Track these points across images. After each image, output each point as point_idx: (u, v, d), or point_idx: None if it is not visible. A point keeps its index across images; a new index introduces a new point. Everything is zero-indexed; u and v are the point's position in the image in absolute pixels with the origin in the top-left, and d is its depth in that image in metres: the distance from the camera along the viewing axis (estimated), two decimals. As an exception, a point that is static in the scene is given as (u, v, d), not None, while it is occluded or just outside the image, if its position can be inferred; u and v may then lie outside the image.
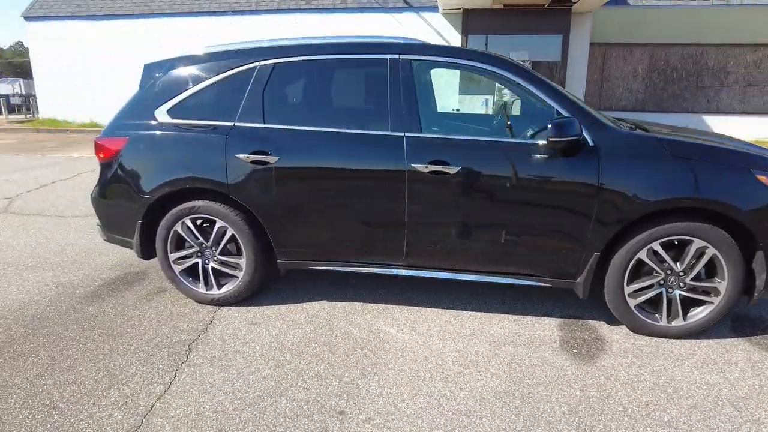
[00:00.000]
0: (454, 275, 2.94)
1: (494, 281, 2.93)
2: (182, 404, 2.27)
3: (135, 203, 3.08)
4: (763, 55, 11.91)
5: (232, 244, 3.09)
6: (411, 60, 2.80)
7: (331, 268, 3.05)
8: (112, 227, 3.25)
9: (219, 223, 3.02)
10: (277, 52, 2.95)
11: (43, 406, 2.26)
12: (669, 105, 12.48)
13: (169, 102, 3.05)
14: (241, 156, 2.88)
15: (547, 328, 2.95)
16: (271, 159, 2.85)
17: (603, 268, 2.79)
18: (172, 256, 3.14)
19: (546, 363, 2.60)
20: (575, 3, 10.15)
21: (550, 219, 2.70)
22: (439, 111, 3.73)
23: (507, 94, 3.45)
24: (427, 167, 2.70)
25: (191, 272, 3.19)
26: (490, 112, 3.33)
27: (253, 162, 2.87)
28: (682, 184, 2.56)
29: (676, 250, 2.70)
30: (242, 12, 12.38)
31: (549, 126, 2.50)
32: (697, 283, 2.70)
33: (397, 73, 2.79)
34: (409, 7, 11.71)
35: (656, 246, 2.66)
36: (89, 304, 3.23)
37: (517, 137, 2.79)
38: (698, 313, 2.74)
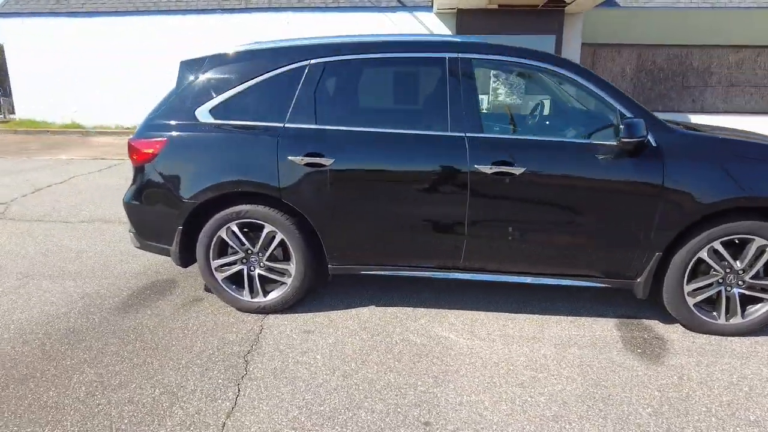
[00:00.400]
0: (512, 278, 2.89)
1: (552, 283, 2.90)
2: (255, 421, 2.14)
3: (175, 208, 2.92)
4: (744, 56, 12.31)
5: (279, 249, 2.97)
6: (472, 59, 2.74)
7: (385, 272, 2.97)
8: (148, 234, 3.08)
9: (267, 228, 2.89)
10: (328, 50, 2.84)
11: (103, 428, 2.11)
12: (656, 104, 12.76)
13: (210, 101, 2.91)
14: (294, 158, 2.76)
15: (604, 328, 2.93)
16: (327, 161, 2.74)
17: (662, 268, 2.78)
18: (215, 263, 3.00)
19: (615, 364, 2.57)
20: (569, 3, 10.27)
21: (614, 220, 2.67)
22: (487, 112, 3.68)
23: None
24: (491, 168, 2.64)
25: (234, 279, 3.05)
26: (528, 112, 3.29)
27: (308, 164, 2.76)
28: (743, 184, 2.57)
29: (735, 248, 2.71)
30: (231, 10, 12.10)
31: (622, 126, 2.47)
32: (757, 281, 2.72)
33: (457, 72, 2.72)
34: (402, 6, 11.65)
35: (717, 245, 2.66)
36: (123, 315, 3.05)
37: (580, 137, 2.75)
38: (756, 311, 2.76)
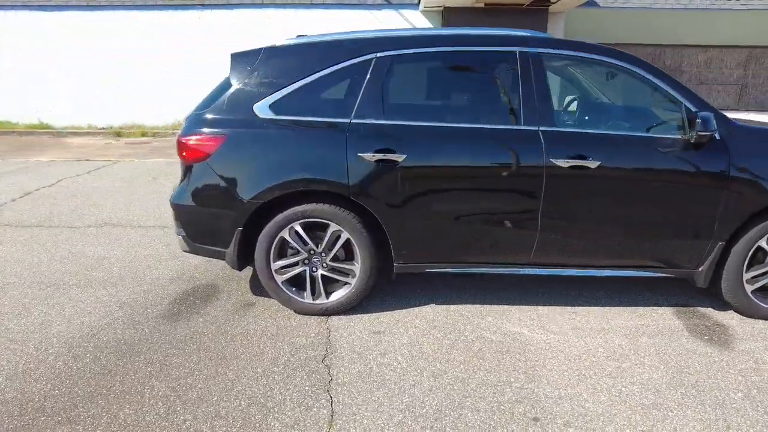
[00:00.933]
0: (577, 272, 2.91)
1: (617, 275, 2.94)
2: (361, 428, 2.07)
3: (235, 209, 2.78)
4: (712, 55, 12.95)
5: (341, 248, 2.88)
6: (541, 53, 2.73)
7: (451, 270, 2.93)
8: (201, 237, 2.92)
9: (333, 227, 2.79)
10: (396, 44, 2.77)
11: (199, 444, 1.98)
12: (630, 101, 13.24)
13: (270, 96, 2.78)
14: (365, 155, 2.68)
15: (665, 317, 2.99)
16: (398, 157, 2.67)
17: (722, 257, 2.86)
18: (275, 265, 2.87)
19: (690, 351, 2.63)
20: (554, 3, 10.50)
21: (682, 211, 2.73)
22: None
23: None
24: (567, 162, 2.65)
25: (293, 281, 2.94)
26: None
27: (378, 161, 2.68)
28: None
29: (786, 235, 2.82)
30: (212, 6, 11.70)
31: (698, 120, 2.52)
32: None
33: (528, 66, 2.71)
34: (388, 4, 11.60)
35: None
36: (173, 324, 2.89)
37: (647, 131, 2.79)
38: (809, 295, 2.89)
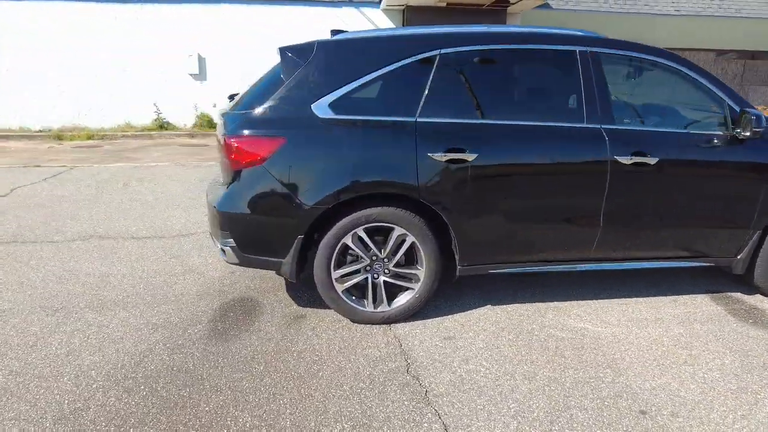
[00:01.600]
0: (630, 265, 3.00)
1: (664, 266, 3.06)
2: (480, 438, 1.99)
3: (296, 216, 2.59)
4: (646, 56, 13.93)
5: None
6: (599, 53, 2.77)
7: (513, 270, 2.90)
8: (255, 246, 2.69)
9: (398, 231, 2.67)
10: (459, 40, 2.70)
11: (318, 474, 1.81)
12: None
13: (329, 95, 2.61)
14: (435, 155, 2.59)
15: (705, 304, 3.16)
16: (469, 156, 2.61)
17: (758, 245, 3.05)
18: (335, 273, 2.71)
19: (743, 335, 2.78)
20: (513, 4, 10.85)
21: (729, 203, 2.89)
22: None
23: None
24: (630, 159, 2.71)
25: (352, 290, 2.79)
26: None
27: (449, 161, 2.60)
28: None
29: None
30: (159, 0, 10.93)
31: (753, 118, 2.67)
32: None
33: (588, 65, 2.74)
34: (349, 2, 11.43)
35: None
36: (225, 344, 2.64)
37: (697, 128, 2.92)
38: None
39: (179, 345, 2.63)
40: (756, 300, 3.22)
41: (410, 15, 11.28)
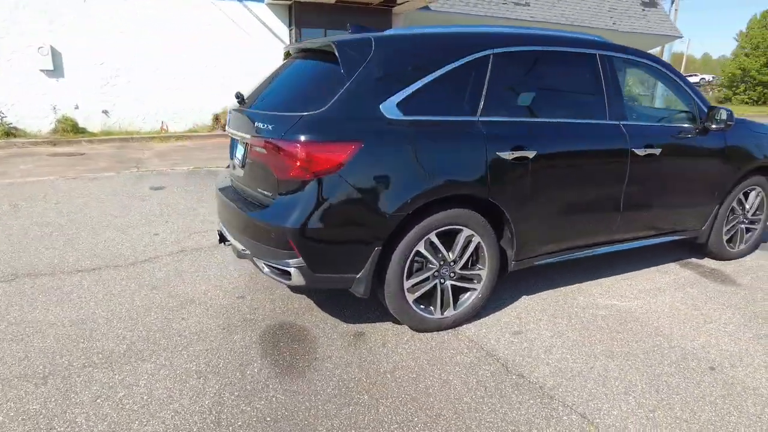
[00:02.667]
0: (636, 244, 3.39)
1: (656, 242, 3.52)
2: (638, 426, 2.10)
3: (374, 226, 2.39)
4: (506, 58, 15.61)
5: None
6: (612, 56, 3.06)
7: (552, 260, 3.07)
8: (328, 264, 2.41)
9: (466, 232, 2.64)
10: (506, 41, 2.74)
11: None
12: (452, 97, 15.07)
13: (396, 95, 2.44)
14: (503, 154, 2.60)
15: (680, 271, 3.72)
16: (529, 154, 2.68)
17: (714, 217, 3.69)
18: (407, 283, 2.57)
19: (724, 292, 3.36)
20: (400, 4, 11.20)
21: (704, 182, 3.46)
22: None
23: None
24: (644, 151, 3.07)
25: (419, 298, 2.67)
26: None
27: (515, 159, 2.64)
28: (765, 151, 3.67)
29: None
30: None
31: (726, 114, 3.23)
32: (753, 217, 3.91)
33: (606, 67, 3.01)
34: (233, -7, 10.61)
35: (752, 192, 3.74)
36: (303, 379, 2.32)
37: (680, 122, 3.40)
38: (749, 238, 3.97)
39: (250, 390, 2.24)
40: (710, 263, 3.90)
41: (298, 11, 10.93)
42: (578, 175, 2.92)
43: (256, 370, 2.38)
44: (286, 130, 2.32)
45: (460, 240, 2.65)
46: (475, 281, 2.79)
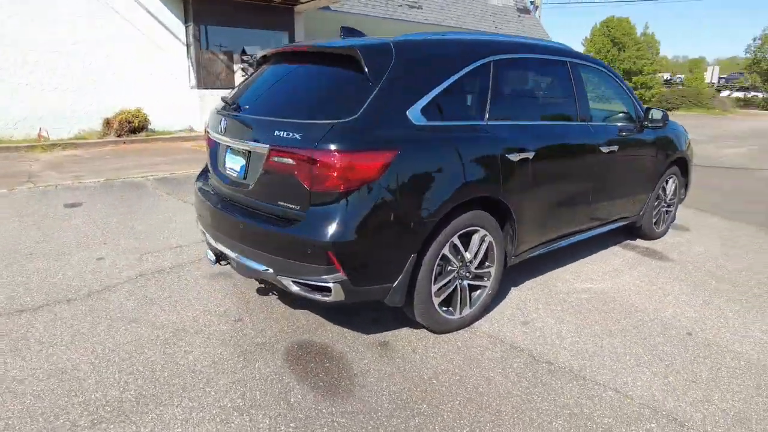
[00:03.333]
0: (596, 231, 3.78)
1: (611, 228, 3.96)
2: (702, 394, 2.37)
3: (411, 234, 2.38)
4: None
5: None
6: (578, 63, 3.37)
7: (543, 250, 3.30)
8: (368, 276, 2.34)
9: (481, 232, 2.74)
10: (506, 48, 2.90)
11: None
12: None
13: (420, 100, 2.45)
14: (511, 156, 2.74)
15: (625, 252, 4.23)
16: (530, 154, 2.86)
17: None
18: (435, 286, 2.60)
19: (666, 268, 3.90)
20: (302, 3, 10.96)
21: (643, 173, 3.97)
22: None
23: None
24: (607, 148, 3.44)
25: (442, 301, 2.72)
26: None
27: (520, 161, 2.79)
28: (680, 145, 4.32)
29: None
30: None
31: (662, 114, 3.73)
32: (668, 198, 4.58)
33: (576, 74, 3.31)
34: (119, -17, 9.46)
35: (669, 180, 4.37)
36: (352, 398, 2.23)
37: (625, 121, 3.84)
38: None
39: (305, 419, 2.09)
40: (642, 243, 4.49)
41: (195, 7, 10.15)
42: (562, 172, 3.20)
43: (300, 397, 2.23)
44: (319, 139, 2.20)
45: (476, 240, 2.74)
46: (485, 279, 2.91)
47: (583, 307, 3.19)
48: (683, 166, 4.53)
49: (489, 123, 2.75)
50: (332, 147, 2.18)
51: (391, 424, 2.08)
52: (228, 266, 3.56)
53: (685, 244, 4.48)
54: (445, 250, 2.59)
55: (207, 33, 10.47)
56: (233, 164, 2.69)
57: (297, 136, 2.26)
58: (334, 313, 2.96)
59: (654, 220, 4.42)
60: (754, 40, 33.97)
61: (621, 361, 2.60)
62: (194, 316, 2.91)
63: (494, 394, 2.30)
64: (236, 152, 2.67)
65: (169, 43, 10.34)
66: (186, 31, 10.49)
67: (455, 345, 2.70)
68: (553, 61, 3.23)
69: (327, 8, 12.59)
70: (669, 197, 4.52)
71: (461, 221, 2.59)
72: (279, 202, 2.39)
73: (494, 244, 2.84)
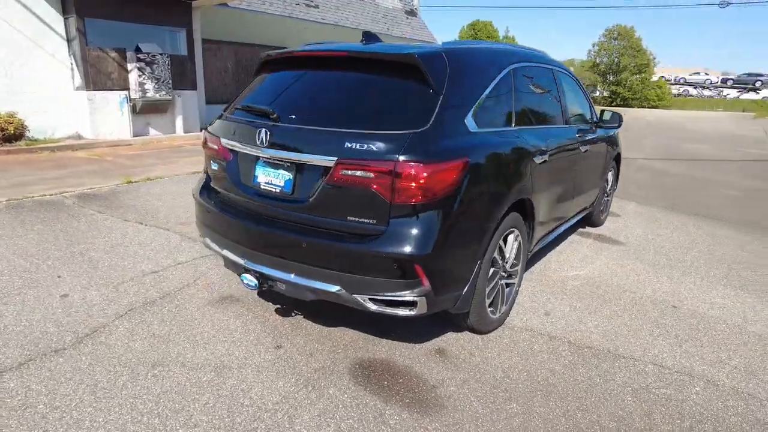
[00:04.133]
0: (570, 223, 4.16)
1: (578, 218, 4.38)
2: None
3: (480, 239, 2.46)
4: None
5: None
6: (559, 70, 3.67)
7: (541, 245, 3.55)
8: (447, 286, 2.35)
9: (515, 233, 2.88)
10: (517, 56, 3.05)
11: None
12: (254, 97, 14.51)
13: (471, 108, 2.50)
14: (537, 159, 2.92)
15: (585, 239, 4.73)
16: (546, 157, 3.07)
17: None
18: (488, 289, 2.68)
19: (616, 250, 4.45)
20: (202, -1, 10.20)
21: (600, 167, 4.46)
22: None
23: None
24: (585, 147, 3.82)
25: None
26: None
27: (541, 162, 2.98)
28: (617, 143, 4.93)
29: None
30: None
31: (616, 116, 4.21)
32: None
33: (558, 79, 3.61)
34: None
35: (609, 173, 4.96)
36: (442, 408, 2.23)
37: (588, 122, 4.25)
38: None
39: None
40: (593, 230, 5.04)
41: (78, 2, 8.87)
42: (561, 171, 3.48)
43: (397, 417, 2.16)
44: (399, 151, 2.13)
45: (511, 240, 2.88)
46: (514, 276, 3.06)
47: (581, 293, 3.52)
48: (618, 160, 5.19)
49: (515, 128, 2.90)
50: (415, 158, 2.14)
51: (496, 428, 2.12)
52: (238, 288, 3.29)
53: (624, 229, 5.15)
54: (495, 253, 2.68)
55: (93, 27, 9.21)
56: (272, 178, 2.48)
57: (373, 147, 2.16)
58: (373, 327, 2.89)
59: (600, 209, 5.00)
60: (594, 45, 39.55)
61: (640, 336, 2.94)
62: (227, 350, 2.62)
63: (566, 384, 2.46)
64: (276, 165, 2.46)
65: (47, 38, 8.90)
66: (66, 24, 9.12)
67: (503, 343, 2.82)
68: (545, 68, 3.50)
69: (224, 5, 11.84)
70: (609, 188, 5.14)
71: (507, 223, 2.70)
72: (348, 217, 2.27)
73: (522, 242, 3.01)
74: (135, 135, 9.85)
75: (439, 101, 2.32)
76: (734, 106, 39.73)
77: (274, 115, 2.44)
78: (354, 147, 2.20)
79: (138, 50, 9.65)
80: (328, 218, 2.32)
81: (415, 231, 2.19)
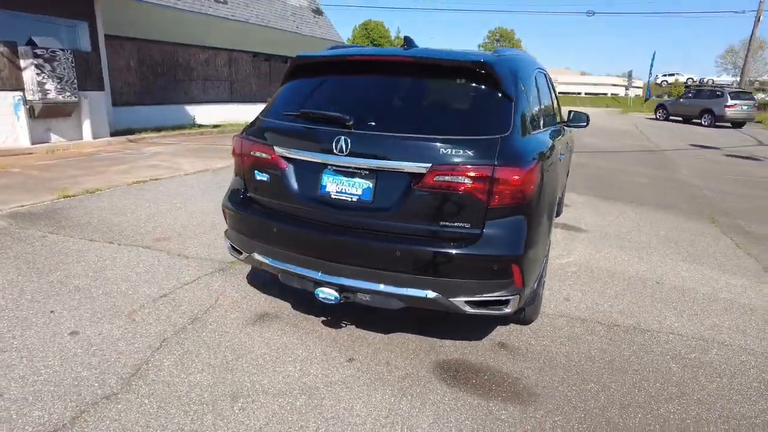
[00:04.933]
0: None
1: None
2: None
3: (548, 237, 2.65)
4: (209, 55, 14.86)
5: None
6: (544, 72, 3.97)
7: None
8: (530, 282, 2.48)
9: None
10: (536, 62, 3.25)
11: None
12: (161, 97, 13.36)
13: (528, 110, 2.67)
14: (560, 157, 3.17)
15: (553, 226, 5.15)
16: (560, 156, 3.34)
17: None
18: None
19: (590, 236, 4.96)
20: (108, -10, 9.14)
21: (568, 163, 4.90)
22: None
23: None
24: (567, 145, 4.18)
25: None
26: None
27: (558, 159, 3.25)
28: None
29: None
30: None
31: (586, 115, 4.65)
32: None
33: (547, 80, 3.91)
34: None
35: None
36: (540, 394, 2.38)
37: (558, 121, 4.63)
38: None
39: (534, 428, 2.14)
40: (557, 219, 5.51)
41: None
42: (561, 165, 3.78)
43: (504, 412, 2.26)
44: (495, 155, 2.22)
45: (546, 235, 3.11)
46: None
47: (584, 278, 3.89)
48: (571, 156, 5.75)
49: (545, 129, 3.12)
50: (511, 162, 2.24)
51: (588, 406, 2.31)
52: (269, 304, 3.15)
53: (580, 217, 5.72)
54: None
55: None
56: (346, 186, 2.41)
57: (469, 152, 2.22)
58: (423, 328, 2.93)
59: (559, 201, 5.51)
60: (479, 47, 42.36)
61: (649, 311, 3.35)
62: (300, 369, 2.50)
63: (618, 359, 2.74)
64: (350, 173, 2.40)
65: None
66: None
67: (549, 330, 3.03)
68: (544, 71, 3.78)
69: (126, -4, 10.75)
70: (566, 181, 5.68)
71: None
72: (441, 222, 2.30)
73: (549, 235, 3.26)
74: (34, 142, 8.55)
75: (512, 106, 2.45)
76: (597, 103, 45.32)
77: (350, 122, 2.37)
78: (447, 153, 2.23)
79: (33, 44, 8.38)
80: (418, 224, 2.33)
81: (509, 232, 2.29)
